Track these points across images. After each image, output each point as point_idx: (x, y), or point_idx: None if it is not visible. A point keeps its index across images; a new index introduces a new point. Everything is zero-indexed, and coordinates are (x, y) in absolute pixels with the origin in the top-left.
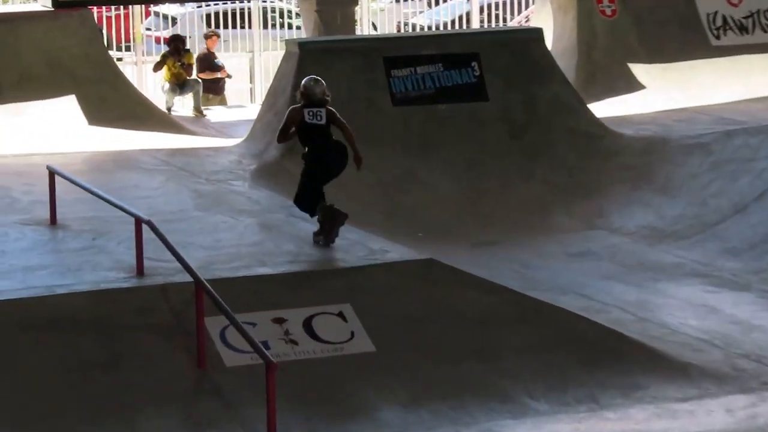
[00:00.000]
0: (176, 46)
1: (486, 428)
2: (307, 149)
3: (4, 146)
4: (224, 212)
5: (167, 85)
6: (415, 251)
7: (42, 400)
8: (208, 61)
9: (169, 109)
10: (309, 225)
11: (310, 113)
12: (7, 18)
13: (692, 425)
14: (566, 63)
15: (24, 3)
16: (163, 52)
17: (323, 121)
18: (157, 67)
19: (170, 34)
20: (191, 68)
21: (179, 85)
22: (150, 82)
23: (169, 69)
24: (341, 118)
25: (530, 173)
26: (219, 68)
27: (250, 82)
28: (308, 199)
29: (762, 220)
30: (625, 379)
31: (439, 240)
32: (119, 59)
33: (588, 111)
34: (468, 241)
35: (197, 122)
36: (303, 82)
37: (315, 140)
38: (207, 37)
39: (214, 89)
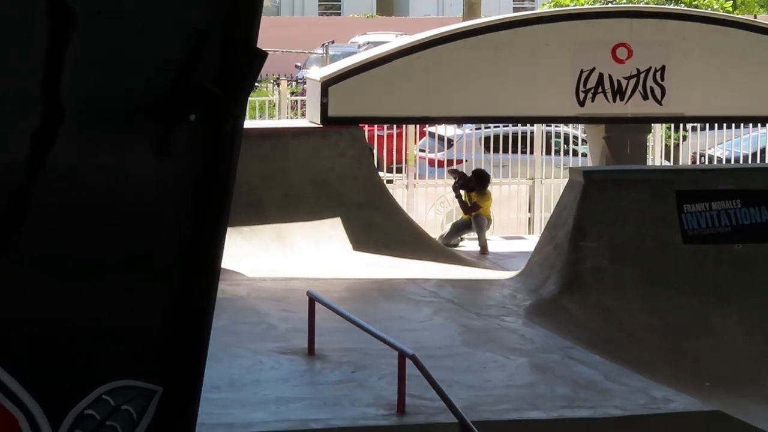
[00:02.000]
0: (469, 180)
1: None
2: None
3: (265, 268)
4: (494, 350)
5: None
6: (700, 402)
7: None
8: None
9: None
10: (587, 369)
11: None
12: (274, 134)
13: None
14: None
15: (292, 118)
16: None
17: None
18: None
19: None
20: (472, 208)
21: (461, 224)
22: (421, 206)
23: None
24: None
25: None
26: None
27: (529, 212)
28: None
29: None
30: None
31: (727, 392)
32: (389, 181)
33: None
34: (761, 394)
35: (470, 253)
36: None
37: None
38: None
39: None
